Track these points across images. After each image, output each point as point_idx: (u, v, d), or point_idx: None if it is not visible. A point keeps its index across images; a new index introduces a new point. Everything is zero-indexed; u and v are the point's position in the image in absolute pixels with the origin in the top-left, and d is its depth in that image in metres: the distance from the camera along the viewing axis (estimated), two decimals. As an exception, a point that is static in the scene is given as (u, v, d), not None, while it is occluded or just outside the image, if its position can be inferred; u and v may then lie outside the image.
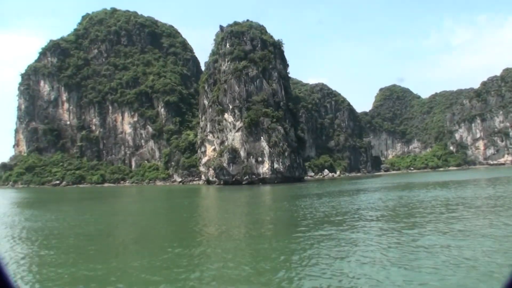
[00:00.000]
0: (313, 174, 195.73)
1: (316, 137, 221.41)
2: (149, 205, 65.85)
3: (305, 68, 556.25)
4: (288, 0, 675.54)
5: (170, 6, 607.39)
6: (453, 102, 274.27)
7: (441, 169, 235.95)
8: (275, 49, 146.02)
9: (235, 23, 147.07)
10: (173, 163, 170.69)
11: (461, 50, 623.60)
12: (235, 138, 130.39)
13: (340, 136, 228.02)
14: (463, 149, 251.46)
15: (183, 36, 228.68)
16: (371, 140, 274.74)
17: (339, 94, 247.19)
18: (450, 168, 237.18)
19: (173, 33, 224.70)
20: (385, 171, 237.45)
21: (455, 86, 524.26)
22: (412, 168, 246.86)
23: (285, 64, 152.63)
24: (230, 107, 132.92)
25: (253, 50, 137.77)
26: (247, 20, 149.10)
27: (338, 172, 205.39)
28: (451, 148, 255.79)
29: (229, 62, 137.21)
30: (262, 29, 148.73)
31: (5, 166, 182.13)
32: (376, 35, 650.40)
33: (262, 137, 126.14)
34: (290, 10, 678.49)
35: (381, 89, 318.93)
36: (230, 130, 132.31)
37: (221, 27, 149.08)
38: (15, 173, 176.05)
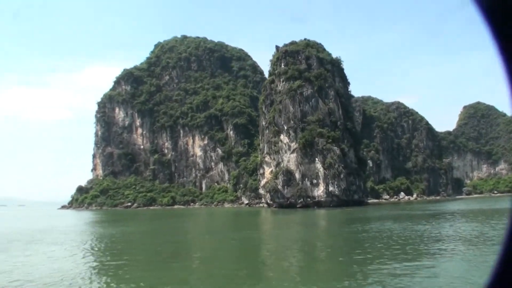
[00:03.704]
0: (388, 197, 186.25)
1: (392, 157, 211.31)
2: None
3: (393, 87, 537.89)
4: (375, 20, 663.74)
5: (242, 30, 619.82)
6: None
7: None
8: (333, 67, 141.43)
9: (291, 43, 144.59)
10: (241, 185, 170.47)
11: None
12: (290, 159, 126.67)
13: (418, 157, 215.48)
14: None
15: (253, 59, 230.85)
16: (456, 161, 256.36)
17: (417, 113, 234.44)
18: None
19: (242, 56, 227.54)
20: (466, 194, 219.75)
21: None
22: (495, 192, 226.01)
23: (345, 82, 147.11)
24: (285, 128, 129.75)
25: (308, 69, 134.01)
26: (304, 39, 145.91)
27: (415, 195, 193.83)
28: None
29: (284, 82, 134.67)
30: (319, 48, 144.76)
31: (81, 189, 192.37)
32: (461, 51, 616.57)
33: (316, 159, 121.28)
34: (375, 30, 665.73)
35: (465, 107, 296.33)
36: (286, 152, 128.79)
37: (277, 47, 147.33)
38: (90, 195, 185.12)
